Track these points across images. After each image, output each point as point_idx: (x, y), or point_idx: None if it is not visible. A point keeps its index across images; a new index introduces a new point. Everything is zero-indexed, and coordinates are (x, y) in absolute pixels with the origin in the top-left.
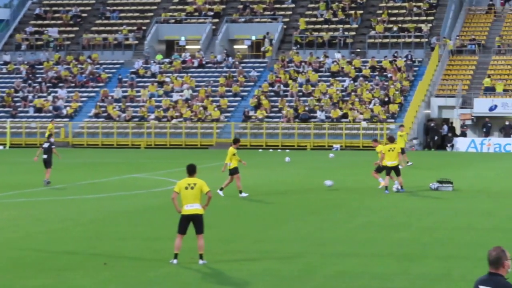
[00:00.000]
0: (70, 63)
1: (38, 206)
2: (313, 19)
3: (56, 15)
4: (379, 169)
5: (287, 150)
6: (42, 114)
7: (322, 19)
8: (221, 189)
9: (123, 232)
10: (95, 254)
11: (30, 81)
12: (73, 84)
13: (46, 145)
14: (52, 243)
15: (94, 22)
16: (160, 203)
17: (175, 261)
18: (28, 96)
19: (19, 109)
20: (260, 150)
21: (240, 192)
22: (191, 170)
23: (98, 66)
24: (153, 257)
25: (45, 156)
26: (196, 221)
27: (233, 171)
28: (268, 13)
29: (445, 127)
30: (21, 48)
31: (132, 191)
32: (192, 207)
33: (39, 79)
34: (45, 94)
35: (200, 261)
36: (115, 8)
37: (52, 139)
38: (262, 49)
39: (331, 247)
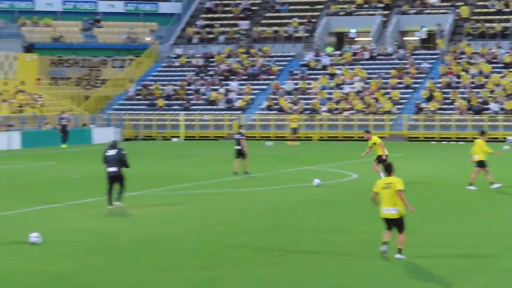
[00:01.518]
0: (241, 56)
1: (212, 198)
2: (485, 10)
3: (227, 8)
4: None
5: (461, 142)
6: (215, 107)
7: (494, 9)
8: (470, 184)
9: (298, 224)
10: (270, 246)
11: (202, 74)
12: (244, 77)
13: (237, 136)
14: (227, 235)
15: (264, 15)
16: (334, 195)
17: (384, 247)
18: (200, 89)
19: (192, 101)
20: (432, 142)
21: (491, 184)
22: (389, 169)
23: (269, 58)
24: (329, 250)
25: (238, 147)
26: (394, 223)
27: (481, 164)
28: (439, 4)
29: None
30: (193, 42)
31: (306, 183)
32: (387, 212)
33: (211, 72)
34: (217, 87)
35: (397, 255)
36: (284, 1)
37: (242, 130)
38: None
39: (505, 241)
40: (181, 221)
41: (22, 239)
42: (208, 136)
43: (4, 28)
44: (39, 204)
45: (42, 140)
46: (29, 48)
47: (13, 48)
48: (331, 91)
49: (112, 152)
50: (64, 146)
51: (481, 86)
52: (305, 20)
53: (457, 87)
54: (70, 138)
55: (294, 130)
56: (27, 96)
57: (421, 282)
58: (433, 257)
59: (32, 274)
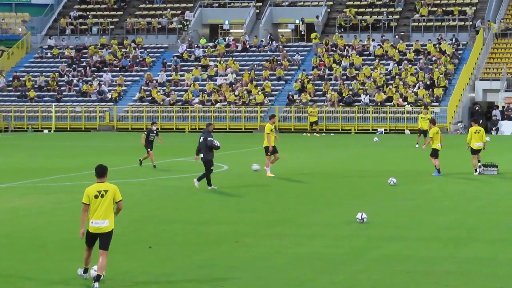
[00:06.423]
0: (113, 47)
1: (83, 190)
2: (357, 3)
3: None
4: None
5: (332, 134)
6: (87, 98)
7: (366, 2)
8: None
9: (168, 216)
10: (140, 237)
11: (74, 66)
12: (117, 68)
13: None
14: None
15: (138, 6)
16: (204, 187)
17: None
18: (73, 80)
19: (64, 93)
20: (304, 134)
21: None
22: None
23: (142, 50)
24: (198, 241)
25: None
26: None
27: None
28: None
29: (497, 112)
30: (66, 33)
31: (176, 175)
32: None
33: (84, 63)
34: (89, 78)
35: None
36: None
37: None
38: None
39: (376, 231)
40: (51, 214)
41: None
42: (79, 128)
43: None
44: None
45: None
46: None
47: None
48: (204, 82)
49: (201, 139)
50: None
51: (352, 78)
52: (179, 12)
53: (329, 79)
54: None
55: (314, 123)
56: None
57: (291, 272)
58: (304, 248)
59: None
